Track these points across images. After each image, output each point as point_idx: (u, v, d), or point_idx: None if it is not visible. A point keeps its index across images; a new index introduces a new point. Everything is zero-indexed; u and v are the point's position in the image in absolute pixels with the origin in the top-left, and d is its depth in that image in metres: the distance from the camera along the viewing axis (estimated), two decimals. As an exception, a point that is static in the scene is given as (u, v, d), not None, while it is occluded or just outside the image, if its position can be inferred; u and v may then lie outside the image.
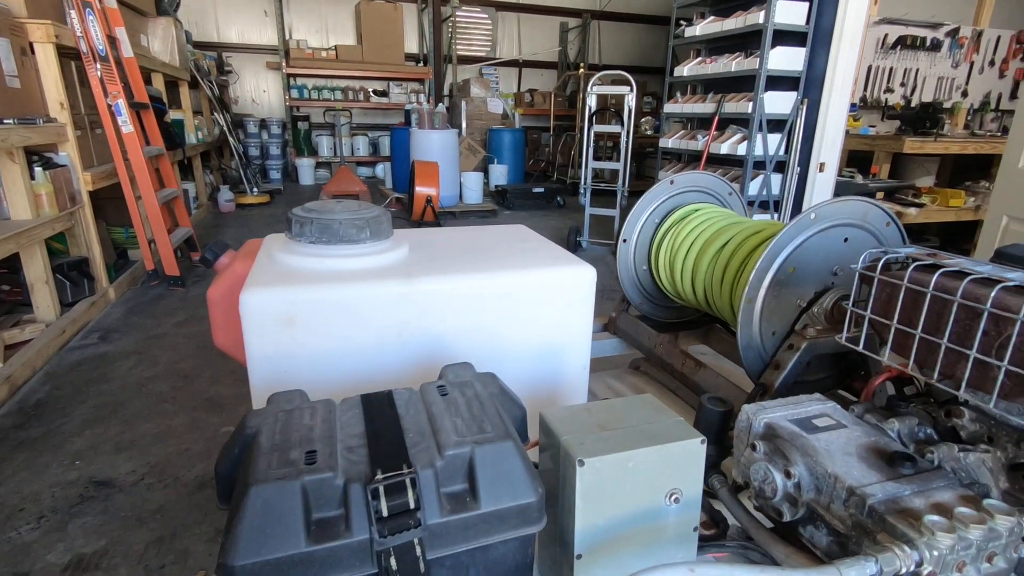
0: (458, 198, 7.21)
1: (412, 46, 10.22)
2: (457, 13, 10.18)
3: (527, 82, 11.34)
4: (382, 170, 9.51)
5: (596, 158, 9.31)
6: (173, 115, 6.16)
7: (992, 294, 0.65)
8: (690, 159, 4.17)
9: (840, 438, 0.77)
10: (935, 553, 0.59)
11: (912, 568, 0.59)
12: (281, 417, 0.63)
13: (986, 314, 0.66)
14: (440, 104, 7.76)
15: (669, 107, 4.09)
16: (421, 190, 5.95)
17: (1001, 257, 0.82)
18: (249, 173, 7.62)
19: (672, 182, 1.52)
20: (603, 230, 5.93)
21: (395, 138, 7.86)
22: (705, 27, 3.66)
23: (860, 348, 0.86)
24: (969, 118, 4.96)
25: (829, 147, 3.29)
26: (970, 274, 0.70)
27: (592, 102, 5.12)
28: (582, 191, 5.33)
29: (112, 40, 3.70)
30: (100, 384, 2.61)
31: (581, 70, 9.52)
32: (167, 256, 3.92)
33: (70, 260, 3.46)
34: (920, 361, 0.76)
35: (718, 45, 3.87)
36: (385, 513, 0.54)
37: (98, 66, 3.52)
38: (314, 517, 0.54)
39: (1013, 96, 5.01)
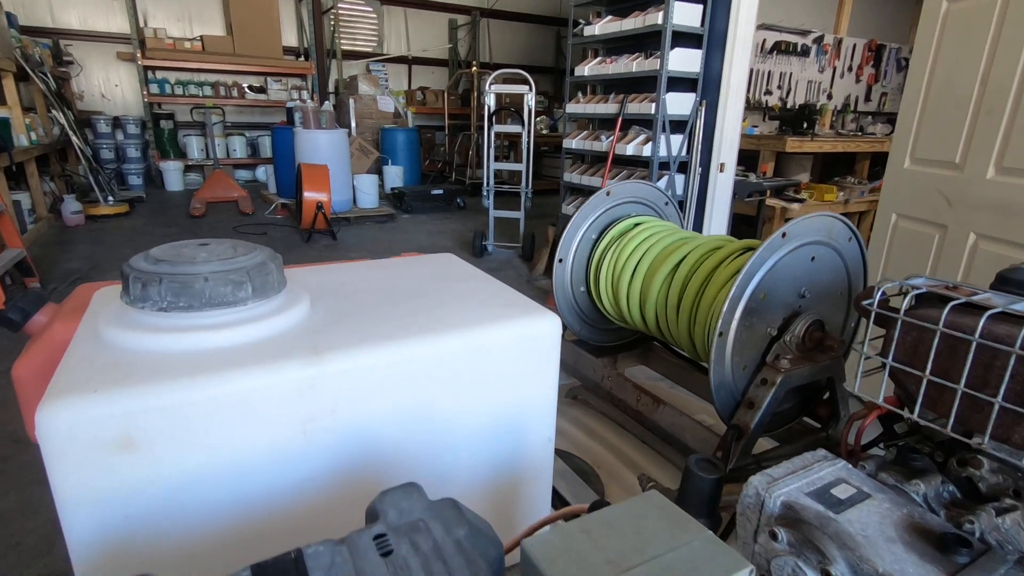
0: (351, 202, 6.75)
1: (291, 39, 9.48)
2: (339, 5, 9.59)
3: (418, 79, 10.97)
4: (264, 173, 8.72)
5: (495, 158, 9.21)
6: (-5, 113, 5.16)
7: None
8: (594, 160, 4.14)
9: (872, 516, 0.64)
10: None
11: None
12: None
13: (1056, 370, 0.54)
14: (326, 102, 7.23)
15: (571, 107, 4.01)
16: (310, 196, 5.46)
17: (1007, 283, 0.73)
18: (101, 179, 6.61)
19: (608, 193, 1.37)
20: (508, 232, 5.81)
21: (277, 138, 7.20)
22: (604, 26, 3.61)
23: (880, 402, 0.74)
24: (834, 119, 5.42)
25: (728, 148, 3.36)
26: (1018, 315, 0.58)
27: (491, 101, 4.96)
28: (485, 193, 5.16)
29: None
30: None
31: (474, 68, 9.34)
32: (-10, 286, 3.21)
33: None
34: (962, 418, 0.64)
35: (616, 45, 3.85)
36: None
37: None
38: None
39: (868, 99, 5.56)
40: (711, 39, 3.28)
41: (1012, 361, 0.57)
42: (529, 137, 4.89)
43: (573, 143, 3.98)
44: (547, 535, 0.52)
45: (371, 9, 10.20)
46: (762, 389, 0.99)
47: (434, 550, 0.45)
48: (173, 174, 8.29)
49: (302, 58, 9.48)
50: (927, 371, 0.65)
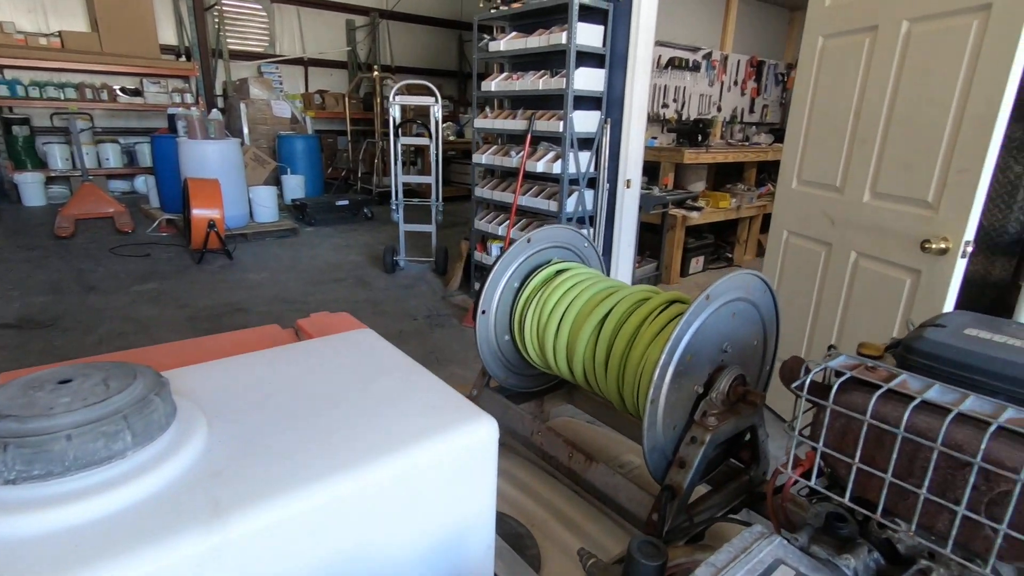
0: (248, 217, 6.29)
1: (169, 37, 8.69)
2: (224, 2, 8.92)
3: (315, 82, 10.47)
4: (143, 183, 7.93)
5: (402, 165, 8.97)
6: None
7: (984, 442, 0.56)
8: (504, 175, 4.13)
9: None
10: None
11: None
12: None
13: (976, 467, 0.57)
14: (214, 109, 6.69)
15: (479, 122, 3.97)
16: (200, 213, 5.02)
17: (917, 355, 0.78)
18: (-62, 197, 5.70)
19: (529, 240, 1.33)
20: (420, 246, 5.67)
21: (158, 147, 6.57)
22: (509, 43, 3.60)
23: (813, 483, 0.75)
24: (724, 129, 5.79)
25: (633, 164, 3.47)
26: (945, 408, 0.61)
27: (395, 113, 4.81)
28: (394, 207, 5.00)
29: None
30: None
31: (375, 72, 9.05)
32: None
33: None
34: (891, 507, 0.67)
35: (521, 61, 3.86)
36: None
37: None
38: None
39: (752, 111, 6.01)
40: (613, 59, 3.37)
41: (935, 455, 0.60)
42: (437, 149, 4.80)
43: (483, 158, 3.94)
44: None
45: (260, 7, 9.59)
46: (692, 447, 0.99)
47: None
48: (32, 187, 7.33)
49: (183, 58, 8.72)
50: (856, 459, 0.66)
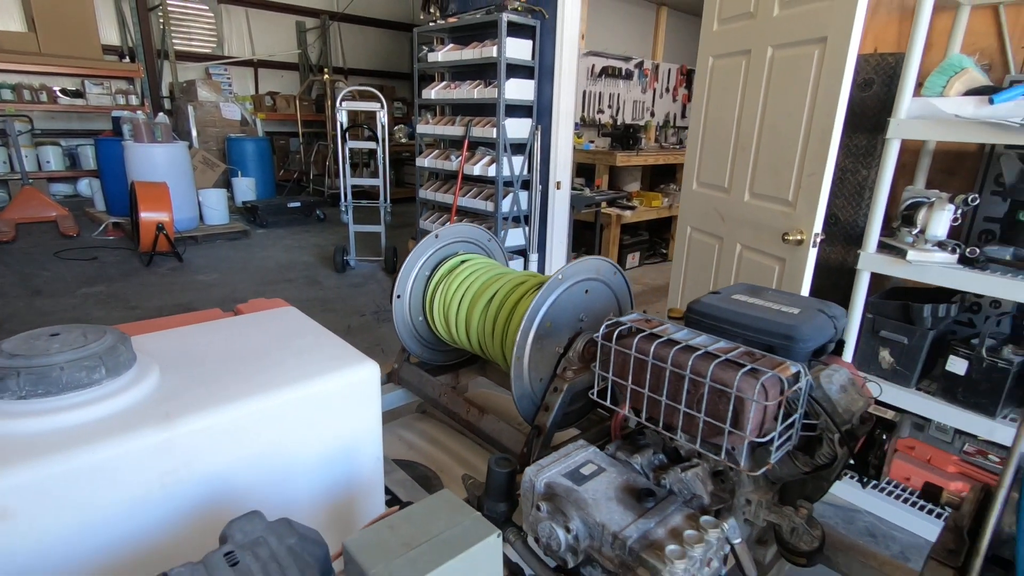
0: (198, 220, 6.33)
1: (111, 37, 8.56)
2: (169, 2, 8.83)
3: (265, 84, 10.45)
4: (87, 187, 7.80)
5: (353, 167, 9.09)
6: None
7: (690, 363, 0.85)
8: (446, 177, 4.37)
9: (602, 484, 0.93)
10: (677, 569, 0.76)
11: (664, 591, 0.75)
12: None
13: (688, 381, 0.86)
14: (161, 113, 6.68)
15: (421, 128, 4.21)
16: (148, 216, 5.08)
17: (693, 313, 1.07)
18: None
19: (437, 236, 1.59)
20: (371, 246, 5.85)
21: (102, 151, 6.53)
22: (446, 54, 3.85)
23: (607, 403, 1.04)
24: (657, 133, 6.19)
25: (562, 167, 3.77)
26: (684, 346, 0.90)
27: (343, 118, 4.98)
28: (343, 208, 5.17)
29: None
30: None
31: (326, 75, 9.12)
32: None
33: None
34: (650, 415, 0.96)
35: (459, 71, 4.11)
36: None
37: None
38: None
39: (684, 115, 6.43)
40: (541, 70, 3.66)
41: (667, 374, 0.89)
42: (384, 153, 5.00)
43: (426, 162, 4.18)
44: (361, 533, 0.73)
45: (206, 7, 9.51)
46: (554, 395, 1.27)
47: (271, 557, 0.63)
48: (-33, 192, 7.13)
49: (127, 59, 8.60)
50: (629, 381, 0.95)
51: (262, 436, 0.82)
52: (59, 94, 7.86)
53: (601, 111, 5.48)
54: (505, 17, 3.37)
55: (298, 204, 7.43)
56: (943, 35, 2.17)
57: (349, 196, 5.09)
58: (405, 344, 1.64)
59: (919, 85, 1.90)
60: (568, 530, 0.88)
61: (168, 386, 0.82)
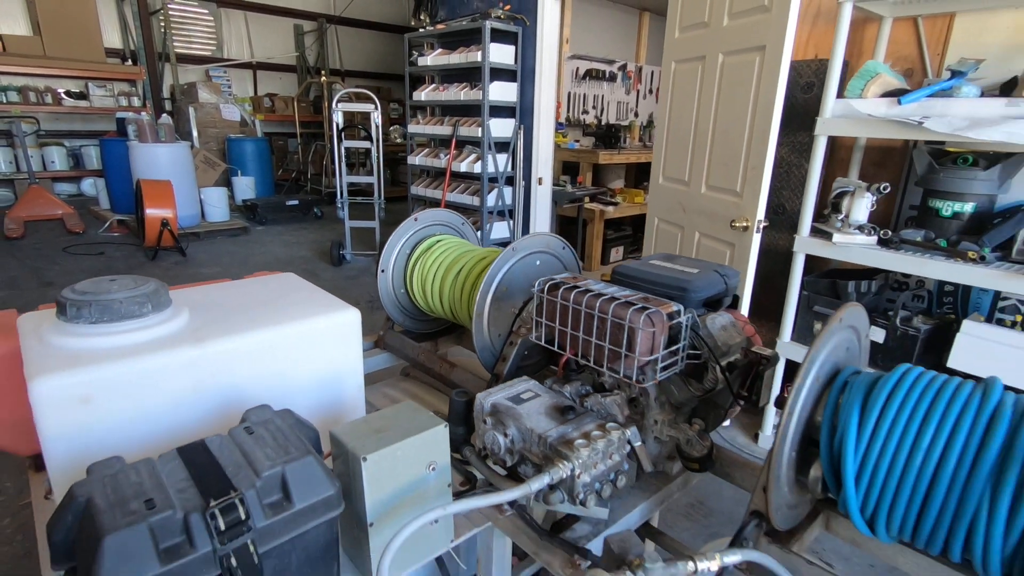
0: (200, 217, 6.58)
1: (114, 40, 8.80)
2: (169, 6, 9.08)
3: (264, 86, 10.68)
4: (91, 186, 8.05)
5: (350, 167, 9.34)
6: None
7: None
8: (436, 174, 4.62)
9: (535, 404, 1.18)
10: (580, 460, 1.01)
11: (569, 473, 1.00)
12: (108, 480, 0.76)
13: (616, 328, 1.12)
14: (164, 115, 6.92)
15: (412, 127, 4.46)
16: (153, 212, 5.32)
17: (616, 274, 1.33)
18: None
19: (416, 219, 1.85)
20: (365, 241, 6.10)
21: (107, 151, 6.77)
22: (435, 59, 4.11)
23: (543, 343, 1.29)
24: (641, 133, 6.45)
25: (544, 164, 4.03)
26: (596, 294, 1.16)
27: (339, 119, 5.23)
28: (339, 205, 5.42)
29: None
30: None
31: (323, 77, 9.37)
32: None
33: None
34: (575, 350, 1.21)
35: (448, 74, 4.37)
36: (223, 528, 0.73)
37: None
38: (162, 547, 0.71)
39: (667, 116, 6.72)
40: (523, 74, 3.92)
41: (582, 314, 1.14)
42: (378, 152, 5.25)
43: (416, 160, 4.43)
44: (344, 425, 0.98)
45: (206, 11, 9.76)
46: (510, 348, 1.52)
47: (277, 429, 0.89)
48: (-25, 190, 7.37)
49: (129, 62, 8.84)
50: (556, 323, 1.21)
51: (268, 360, 1.08)
52: (63, 96, 8.10)
53: (586, 112, 5.74)
54: (488, 24, 3.62)
55: (296, 202, 7.67)
56: (872, 43, 2.43)
57: (345, 194, 5.34)
58: (389, 313, 1.89)
59: (842, 87, 2.15)
60: (506, 435, 1.13)
61: (196, 321, 1.07)
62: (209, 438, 0.86)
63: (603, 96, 5.78)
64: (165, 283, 1.08)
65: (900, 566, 1.04)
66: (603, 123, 5.69)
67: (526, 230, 4.24)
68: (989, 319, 2.27)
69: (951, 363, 1.98)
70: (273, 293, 1.25)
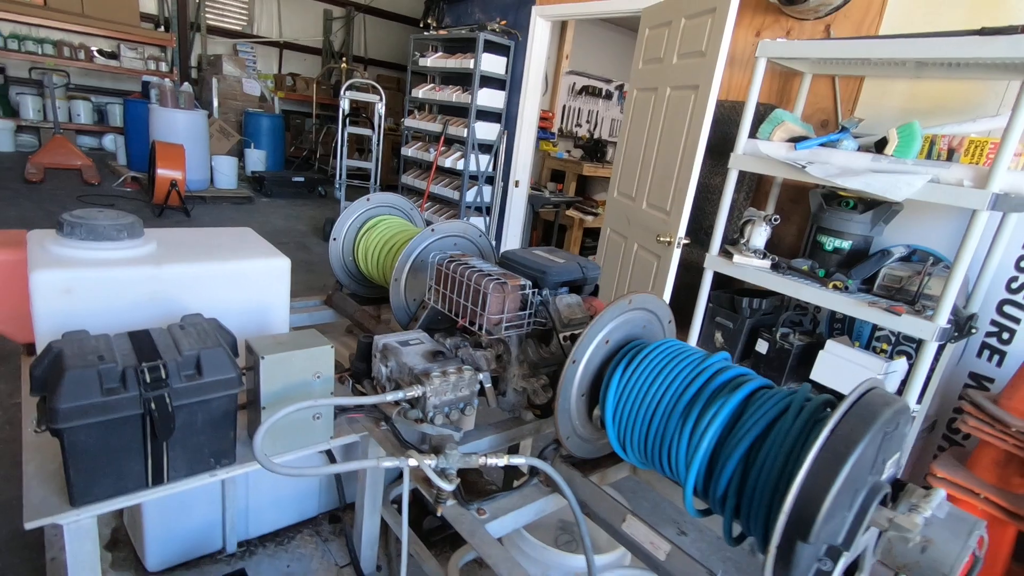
0: (208, 182, 6.96)
1: (150, 6, 9.21)
2: (206, -20, 9.48)
3: (289, 65, 11.08)
4: (111, 141, 8.45)
5: (359, 152, 9.72)
6: None
7: (487, 284, 1.44)
8: (427, 167, 4.97)
9: (417, 348, 1.52)
10: (432, 387, 1.35)
11: (421, 394, 1.34)
12: (75, 341, 1.10)
13: (474, 292, 1.45)
14: (185, 84, 7.30)
15: (409, 122, 4.81)
16: (164, 173, 5.70)
17: (502, 258, 1.66)
18: (-85, 133, 6.18)
19: (368, 199, 2.19)
20: (360, 222, 6.45)
21: (130, 111, 7.17)
22: (435, 61, 4.46)
23: (440, 307, 1.63)
24: (633, 151, 6.78)
25: (522, 168, 4.36)
26: (472, 268, 1.49)
27: (345, 106, 5.59)
28: (337, 186, 5.78)
29: None
30: None
31: (344, 64, 9.74)
32: None
33: None
34: (464, 316, 1.55)
35: (448, 76, 4.71)
36: (148, 380, 1.07)
37: None
38: (105, 386, 1.05)
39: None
40: (512, 83, 4.26)
41: (461, 284, 1.48)
42: (379, 140, 5.60)
43: (409, 152, 4.78)
44: (257, 336, 1.32)
45: (241, -12, 10.16)
46: (421, 310, 1.86)
47: (203, 329, 1.23)
48: (3, 134, 7.79)
49: (162, 28, 9.26)
50: (443, 289, 1.54)
51: (210, 286, 1.42)
52: (96, 54, 8.51)
53: (579, 125, 6.07)
54: (483, 36, 3.97)
55: (302, 179, 8.04)
56: (796, 93, 2.75)
57: (343, 175, 5.69)
58: (338, 276, 2.24)
59: (754, 129, 2.48)
60: (387, 367, 1.47)
61: (160, 250, 1.42)
62: (152, 328, 1.21)
63: (597, 112, 6.11)
64: (140, 220, 1.43)
65: (656, 488, 1.37)
66: (593, 137, 6.02)
67: (500, 226, 4.58)
68: (867, 346, 2.59)
69: (813, 376, 2.30)
70: (228, 239, 1.60)
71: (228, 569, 1.63)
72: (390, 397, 1.32)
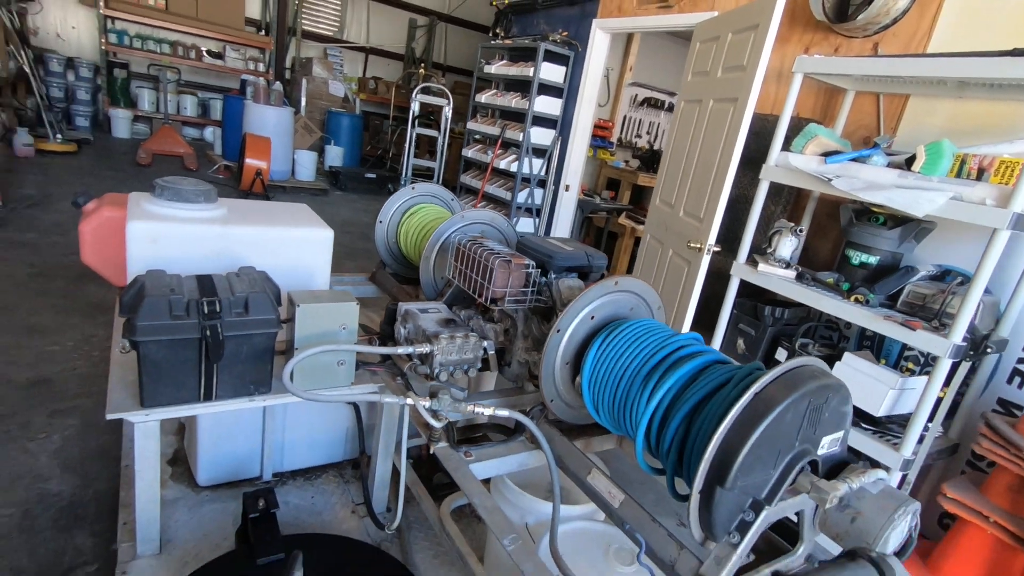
0: (290, 174, 7.56)
1: (254, 11, 10.08)
2: (304, -12, 10.27)
3: (372, 69, 11.75)
4: (211, 134, 9.31)
5: (430, 153, 10.18)
6: (-36, 44, 5.67)
7: (493, 260, 1.63)
8: (485, 168, 5.22)
9: (434, 316, 1.73)
10: (439, 346, 1.54)
11: (428, 351, 1.54)
12: (155, 276, 1.38)
13: (483, 267, 1.64)
14: (277, 82, 7.96)
15: (471, 124, 5.09)
16: (251, 162, 6.27)
17: (518, 243, 1.84)
18: (51, 117, 7.12)
19: (413, 188, 2.44)
20: (422, 218, 6.81)
21: (228, 105, 7.91)
22: (498, 68, 4.71)
23: (459, 284, 1.83)
24: (694, 164, 6.77)
25: (573, 173, 4.52)
26: (485, 248, 1.68)
27: (415, 108, 5.96)
28: (403, 183, 6.16)
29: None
30: (-91, 308, 2.82)
31: (422, 71, 10.25)
32: (-35, 197, 3.92)
33: None
34: (474, 289, 1.74)
35: (511, 83, 4.95)
36: (206, 312, 1.33)
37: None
38: (173, 312, 1.31)
39: (723, 152, 7.01)
40: (569, 92, 4.44)
41: (475, 263, 1.67)
42: (443, 141, 5.93)
43: (469, 153, 5.05)
44: (297, 290, 1.57)
45: (336, -3, 10.91)
46: (447, 288, 2.07)
47: (253, 279, 1.49)
48: (121, 122, 8.77)
49: (263, 32, 10.11)
50: (460, 265, 1.74)
51: (267, 247, 1.69)
52: (205, 54, 9.42)
53: (639, 136, 6.15)
54: (544, 46, 4.17)
55: (374, 176, 8.55)
56: (838, 109, 2.77)
57: (410, 172, 6.06)
58: (382, 256, 2.49)
59: (787, 142, 2.53)
60: (405, 328, 1.68)
61: (229, 215, 1.70)
62: (215, 274, 1.48)
63: (658, 124, 6.17)
64: (215, 189, 1.73)
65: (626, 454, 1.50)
66: (652, 148, 6.09)
67: (548, 228, 4.75)
68: (895, 364, 2.57)
69: (828, 386, 2.31)
70: (285, 212, 1.88)
71: (263, 495, 1.89)
72: (401, 350, 1.53)
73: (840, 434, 1.16)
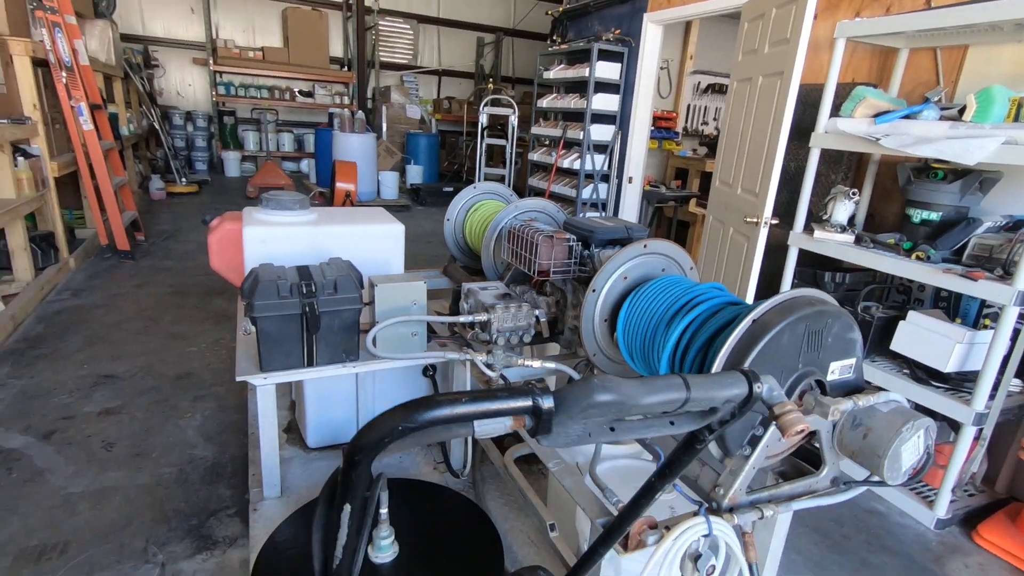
0: (376, 194, 8.20)
1: (337, 50, 11.01)
2: (380, 23, 11.08)
3: (446, 90, 12.38)
4: (306, 165, 10.27)
5: (503, 163, 10.57)
6: (109, 109, 6.76)
7: (533, 236, 1.86)
8: (551, 169, 5.45)
9: (492, 291, 1.97)
10: (496, 315, 1.78)
11: (486, 319, 1.78)
12: (266, 268, 1.73)
13: (530, 244, 1.87)
14: (359, 111, 8.67)
15: (535, 129, 5.34)
16: (341, 186, 6.91)
17: (565, 223, 2.04)
18: (177, 164, 8.22)
19: (475, 187, 2.71)
20: (497, 224, 7.15)
21: (319, 138, 8.72)
22: (557, 73, 4.93)
23: (513, 263, 2.07)
24: (767, 146, 6.59)
25: (635, 165, 4.64)
26: (533, 228, 1.91)
27: (483, 119, 6.31)
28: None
29: (73, 51, 4.44)
30: (84, 324, 3.48)
31: (490, 85, 10.69)
32: (119, 233, 4.72)
33: (39, 233, 4.22)
34: (524, 266, 1.97)
35: (570, 85, 5.16)
36: (304, 292, 1.66)
37: (63, 74, 4.29)
38: (280, 293, 1.65)
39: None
40: (625, 87, 4.58)
41: (522, 242, 1.90)
42: (511, 149, 6.23)
43: (535, 157, 5.31)
44: (377, 275, 1.87)
45: (408, 27, 11.65)
46: (507, 271, 2.31)
47: (340, 266, 1.81)
48: (232, 163, 9.91)
49: (345, 68, 11.01)
50: (511, 245, 1.97)
51: (350, 240, 2.02)
52: (297, 94, 10.42)
53: (705, 123, 6.12)
54: (596, 46, 4.35)
55: (451, 189, 9.02)
56: (892, 69, 2.72)
57: (482, 179, 6.41)
58: (451, 251, 2.78)
59: (836, 108, 2.54)
60: (467, 302, 1.94)
61: (320, 218, 2.05)
62: (311, 264, 1.81)
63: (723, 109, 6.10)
64: (308, 198, 2.08)
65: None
66: (718, 134, 6.03)
67: (615, 222, 4.88)
68: (974, 324, 2.48)
69: (893, 346, 2.30)
70: (364, 214, 2.21)
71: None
72: (463, 319, 1.78)
73: (851, 361, 1.26)
